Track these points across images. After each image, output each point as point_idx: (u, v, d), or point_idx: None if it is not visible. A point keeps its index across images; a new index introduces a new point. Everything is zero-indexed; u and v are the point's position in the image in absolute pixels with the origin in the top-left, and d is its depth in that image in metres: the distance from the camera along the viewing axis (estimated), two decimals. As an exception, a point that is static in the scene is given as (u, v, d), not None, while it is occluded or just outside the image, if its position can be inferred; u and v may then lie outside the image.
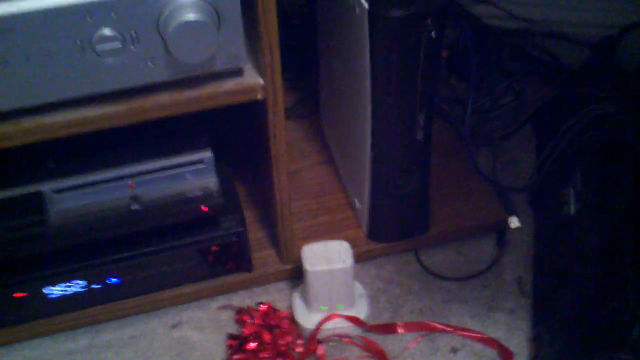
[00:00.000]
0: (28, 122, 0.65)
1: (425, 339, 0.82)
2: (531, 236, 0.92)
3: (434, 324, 0.82)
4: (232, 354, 0.80)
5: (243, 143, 0.96)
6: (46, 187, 0.73)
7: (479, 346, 0.81)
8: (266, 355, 0.79)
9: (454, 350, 0.81)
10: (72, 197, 0.74)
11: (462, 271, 0.89)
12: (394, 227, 0.89)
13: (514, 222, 0.92)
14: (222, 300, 0.87)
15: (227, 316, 0.86)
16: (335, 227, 0.91)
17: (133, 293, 0.83)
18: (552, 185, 0.91)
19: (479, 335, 0.81)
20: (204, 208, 0.77)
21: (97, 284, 0.80)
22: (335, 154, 1.00)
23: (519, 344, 0.81)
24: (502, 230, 0.92)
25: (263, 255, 0.88)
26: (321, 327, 0.80)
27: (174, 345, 0.83)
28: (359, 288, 0.84)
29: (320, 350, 0.80)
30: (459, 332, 0.82)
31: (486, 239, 0.93)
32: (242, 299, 0.87)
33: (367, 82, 0.74)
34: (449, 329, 0.82)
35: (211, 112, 0.72)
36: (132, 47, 0.63)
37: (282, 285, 0.88)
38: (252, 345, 0.79)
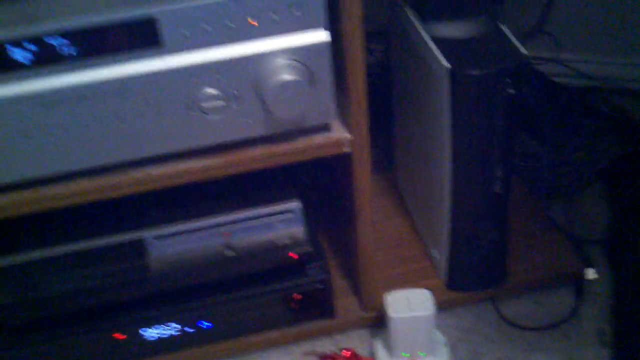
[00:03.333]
0: (137, 174, 0.71)
1: (507, 387, 0.83)
2: (609, 287, 0.93)
3: (515, 373, 0.84)
4: (317, 397, 0.83)
5: (326, 196, 1.00)
6: (147, 234, 0.79)
7: (560, 396, 0.82)
8: (350, 399, 0.82)
9: (535, 400, 0.82)
10: (171, 244, 0.79)
11: (540, 321, 0.90)
12: (472, 277, 0.91)
13: (591, 273, 0.93)
14: (305, 346, 0.90)
15: (312, 360, 0.89)
16: (413, 276, 0.94)
17: (223, 337, 0.87)
18: (629, 237, 0.92)
19: (560, 384, 0.82)
20: (292, 255, 0.81)
21: (191, 328, 0.85)
22: (411, 207, 1.03)
23: (601, 393, 0.81)
24: (579, 281, 0.93)
25: (345, 302, 0.92)
26: (403, 373, 0.83)
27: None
28: (439, 336, 0.86)
29: (403, 395, 0.82)
30: (540, 382, 0.83)
31: (563, 291, 0.94)
32: (324, 345, 0.90)
33: (447, 137, 0.78)
34: (530, 377, 0.83)
35: (300, 164, 0.76)
36: (234, 105, 0.69)
37: (363, 332, 0.91)
38: (337, 388, 0.82)
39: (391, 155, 1.08)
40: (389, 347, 0.84)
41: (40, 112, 0.65)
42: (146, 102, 0.67)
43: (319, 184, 1.00)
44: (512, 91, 0.74)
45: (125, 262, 0.79)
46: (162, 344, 0.85)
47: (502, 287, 0.92)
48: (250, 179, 0.80)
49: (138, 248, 0.79)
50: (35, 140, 0.66)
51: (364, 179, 0.77)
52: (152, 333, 0.84)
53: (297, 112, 0.69)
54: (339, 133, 0.74)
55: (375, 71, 1.12)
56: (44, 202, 0.70)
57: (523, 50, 0.75)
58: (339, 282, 0.94)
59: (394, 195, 1.08)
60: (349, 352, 0.87)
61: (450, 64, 0.73)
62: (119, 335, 0.83)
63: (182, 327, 0.84)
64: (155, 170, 0.72)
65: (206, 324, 0.85)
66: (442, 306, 0.90)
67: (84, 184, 0.71)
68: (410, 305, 0.81)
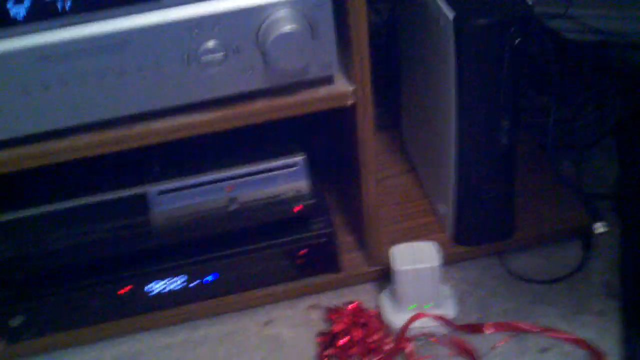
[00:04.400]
0: (140, 128, 0.71)
1: (514, 339, 0.83)
2: (617, 241, 0.92)
3: (522, 324, 0.84)
4: (322, 350, 0.84)
5: (330, 151, 1.00)
6: (151, 189, 0.79)
7: (568, 347, 0.82)
8: (356, 352, 0.82)
9: (543, 350, 0.82)
10: (174, 199, 0.79)
11: (547, 275, 0.90)
12: (479, 231, 0.91)
13: (600, 227, 0.93)
14: (311, 300, 0.91)
15: (317, 315, 0.89)
16: (419, 231, 0.94)
17: (227, 291, 0.88)
18: (638, 191, 0.91)
19: (568, 335, 0.82)
20: (296, 208, 0.81)
21: (195, 281, 0.85)
22: (417, 163, 1.02)
23: (610, 345, 0.81)
24: (587, 235, 0.93)
25: (350, 257, 0.92)
26: (410, 326, 0.83)
27: (266, 342, 0.87)
28: (445, 289, 0.86)
29: (409, 347, 0.82)
30: (548, 333, 0.83)
31: (571, 244, 0.93)
32: (330, 300, 0.90)
33: (453, 89, 0.77)
34: (537, 329, 0.83)
35: (303, 119, 0.76)
36: (233, 58, 0.68)
37: (369, 286, 0.91)
38: (343, 341, 0.83)
39: (397, 113, 1.07)
40: (395, 301, 0.85)
41: (39, 67, 0.65)
42: (145, 56, 0.66)
43: (324, 140, 1.00)
44: (518, 41, 0.72)
45: (128, 217, 0.80)
46: (167, 298, 0.86)
47: (509, 241, 0.92)
48: (254, 134, 0.80)
49: (141, 203, 0.79)
50: (36, 95, 0.66)
51: (368, 132, 0.76)
52: (156, 287, 0.85)
53: (298, 64, 0.68)
54: (342, 86, 0.74)
55: (382, 31, 1.10)
56: (46, 157, 0.71)
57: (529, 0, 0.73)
58: (345, 238, 0.94)
59: (400, 152, 1.07)
60: (355, 305, 0.87)
61: (455, 13, 0.72)
62: (123, 290, 0.84)
63: (186, 281, 0.85)
64: (157, 124, 0.72)
65: (211, 277, 0.85)
66: (448, 260, 0.90)
67: (85, 138, 0.71)
68: (415, 257, 0.81)
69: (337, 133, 0.92)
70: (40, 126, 0.69)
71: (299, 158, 0.80)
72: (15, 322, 0.84)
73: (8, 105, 0.66)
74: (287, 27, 0.65)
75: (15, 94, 0.66)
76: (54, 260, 0.80)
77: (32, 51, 0.64)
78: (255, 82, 0.70)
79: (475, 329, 0.84)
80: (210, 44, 0.67)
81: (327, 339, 0.85)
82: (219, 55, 0.67)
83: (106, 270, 0.83)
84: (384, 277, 0.89)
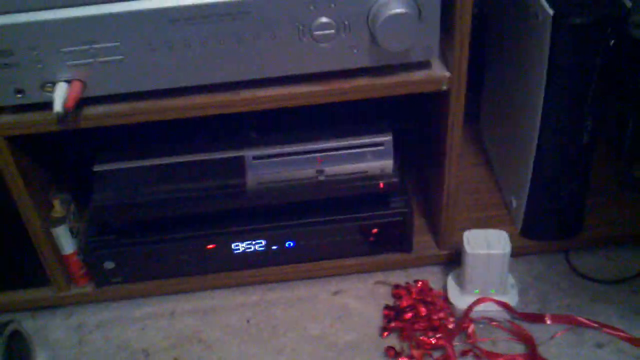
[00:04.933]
0: (246, 94, 0.76)
1: (572, 331, 0.86)
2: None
3: (581, 318, 0.87)
4: (388, 322, 0.88)
5: (412, 134, 1.03)
6: (247, 153, 0.84)
7: (625, 345, 0.84)
8: (421, 327, 0.86)
9: (599, 345, 0.85)
10: (268, 165, 0.84)
11: (610, 275, 0.93)
12: (548, 227, 0.94)
13: (667, 236, 0.95)
14: (379, 276, 0.95)
15: (384, 291, 0.94)
16: (488, 222, 0.97)
17: (303, 259, 0.93)
18: None
19: (626, 334, 0.85)
20: (380, 185, 0.85)
21: (276, 245, 0.90)
22: (493, 156, 1.06)
23: (668, 347, 0.84)
24: (654, 241, 0.95)
25: (421, 239, 0.96)
26: (473, 308, 0.87)
27: (334, 310, 0.92)
28: (510, 279, 0.90)
29: (471, 328, 0.86)
30: (606, 330, 0.86)
31: (637, 250, 0.96)
32: (398, 278, 0.95)
33: (542, 84, 0.80)
34: (596, 324, 0.86)
35: (391, 100, 0.80)
36: (343, 35, 0.73)
37: (436, 269, 0.95)
38: (408, 315, 0.87)
39: (476, 107, 1.10)
40: (461, 283, 0.88)
41: (167, 28, 0.70)
42: (264, 25, 0.71)
43: (408, 122, 1.04)
44: (612, 42, 0.75)
45: (224, 178, 0.85)
46: (248, 258, 0.91)
47: (576, 239, 0.95)
48: (346, 110, 0.84)
49: (238, 165, 0.84)
50: (160, 54, 0.72)
51: (458, 118, 0.80)
52: (239, 247, 0.90)
53: (404, 46, 0.72)
54: (439, 71, 0.78)
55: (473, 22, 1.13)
56: (159, 113, 0.76)
57: (627, 1, 0.76)
58: (418, 221, 0.97)
59: (476, 144, 1.10)
60: (422, 284, 0.91)
61: (554, 11, 0.75)
62: (210, 246, 0.89)
63: (268, 244, 0.90)
64: (263, 92, 0.76)
65: (290, 243, 0.90)
66: (515, 252, 0.92)
67: (197, 99, 0.76)
68: (487, 243, 0.85)
69: (422, 117, 0.95)
70: (159, 83, 0.74)
71: (386, 138, 0.85)
72: (108, 266, 0.90)
73: (134, 61, 0.72)
74: (398, 9, 0.70)
75: (142, 52, 0.71)
76: (150, 211, 0.86)
77: (162, 13, 0.69)
78: (360, 60, 0.75)
79: (535, 318, 0.88)
80: (324, 19, 0.71)
81: (393, 313, 0.89)
82: (330, 31, 0.72)
83: (197, 226, 0.89)
84: (452, 261, 0.93)
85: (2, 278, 0.96)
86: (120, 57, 0.72)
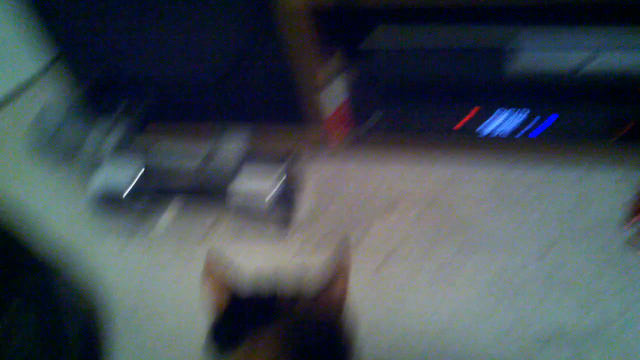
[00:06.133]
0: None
1: None
2: None
3: None
4: (633, 214, 0.90)
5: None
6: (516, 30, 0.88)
7: None
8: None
9: None
10: (538, 45, 0.88)
11: None
12: None
13: None
14: (623, 173, 0.97)
15: (626, 186, 0.95)
16: None
17: (552, 140, 0.96)
18: None
19: None
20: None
21: (529, 124, 0.94)
22: None
23: None
24: None
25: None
26: None
27: (576, 195, 0.95)
28: None
29: None
30: None
31: None
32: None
33: None
34: None
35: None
36: None
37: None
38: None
39: None
40: None
41: None
42: None
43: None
44: None
45: (492, 44, 0.90)
46: (496, 135, 0.97)
47: None
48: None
49: (505, 41, 0.89)
50: None
51: None
52: (491, 123, 0.95)
53: None
54: None
55: None
56: None
57: None
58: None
59: None
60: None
61: None
62: (469, 115, 0.96)
63: (525, 120, 0.94)
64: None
65: (544, 123, 0.94)
66: None
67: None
68: None
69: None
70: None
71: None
72: (374, 120, 1.00)
73: None
74: None
75: None
76: (416, 72, 0.93)
77: None
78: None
79: None
80: None
81: (639, 207, 0.91)
82: None
83: (456, 89, 0.95)
84: None
85: (275, 117, 1.07)
86: None
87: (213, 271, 0.68)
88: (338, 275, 0.66)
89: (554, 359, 0.79)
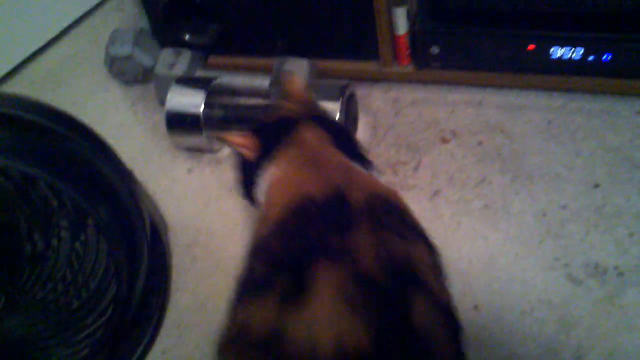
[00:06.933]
0: None
1: None
2: None
3: None
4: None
5: None
6: None
7: None
8: None
9: None
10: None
11: None
12: None
13: None
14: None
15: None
16: None
17: (615, 74, 0.96)
18: None
19: None
20: None
21: (592, 56, 0.94)
22: None
23: None
24: None
25: None
26: None
27: (634, 127, 0.96)
28: None
29: None
30: None
31: None
32: None
33: None
34: None
35: None
36: None
37: None
38: None
39: None
40: None
41: None
42: None
43: None
44: None
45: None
46: (562, 65, 0.97)
47: None
48: None
49: None
50: None
51: None
52: (558, 52, 0.95)
53: None
54: None
55: None
56: None
57: None
58: None
59: None
60: None
61: None
62: (530, 46, 0.96)
63: (585, 52, 0.94)
64: None
65: (607, 56, 0.93)
66: None
67: None
68: None
69: None
70: None
71: None
72: (432, 50, 1.01)
73: None
74: None
75: None
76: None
77: None
78: None
79: None
80: None
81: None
82: None
83: (520, 25, 0.95)
84: None
85: (337, 47, 1.10)
86: None
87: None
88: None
89: (595, 291, 0.82)
